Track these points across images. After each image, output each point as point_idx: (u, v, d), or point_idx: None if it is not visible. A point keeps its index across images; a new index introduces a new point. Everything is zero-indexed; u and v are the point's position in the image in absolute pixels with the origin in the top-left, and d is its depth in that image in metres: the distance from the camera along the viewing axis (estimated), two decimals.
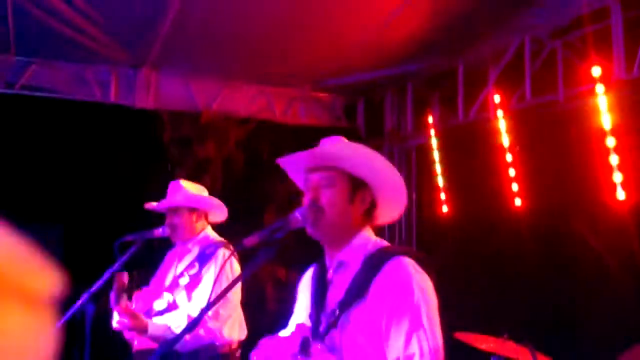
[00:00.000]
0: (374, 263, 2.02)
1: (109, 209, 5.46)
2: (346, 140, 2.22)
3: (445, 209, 5.96)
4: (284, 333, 2.23)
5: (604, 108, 4.48)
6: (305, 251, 2.36)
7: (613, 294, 4.44)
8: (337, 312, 2.00)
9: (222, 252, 3.57)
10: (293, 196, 5.86)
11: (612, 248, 4.56)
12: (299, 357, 1.88)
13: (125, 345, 3.57)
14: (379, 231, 2.25)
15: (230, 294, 3.31)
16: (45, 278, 0.53)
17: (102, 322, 3.38)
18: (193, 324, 1.97)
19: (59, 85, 5.58)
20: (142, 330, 3.36)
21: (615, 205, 4.44)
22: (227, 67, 5.83)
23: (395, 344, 1.94)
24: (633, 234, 4.42)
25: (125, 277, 3.33)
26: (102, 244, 3.71)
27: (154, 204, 3.77)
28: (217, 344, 3.53)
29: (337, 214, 2.07)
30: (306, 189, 2.14)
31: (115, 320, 3.37)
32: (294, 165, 2.20)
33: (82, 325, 3.17)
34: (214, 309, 3.40)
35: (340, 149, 2.13)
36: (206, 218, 3.77)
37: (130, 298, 3.46)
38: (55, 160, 5.55)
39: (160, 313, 3.50)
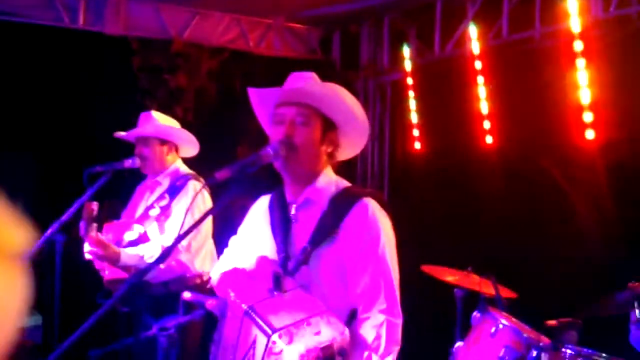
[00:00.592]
0: (341, 204, 2.12)
1: (78, 138, 5.37)
2: (317, 77, 2.21)
3: (418, 145, 5.99)
4: (232, 256, 2.30)
5: (579, 46, 4.48)
6: (275, 184, 2.37)
7: (579, 233, 4.55)
8: (309, 248, 2.07)
9: (193, 184, 3.56)
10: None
11: (580, 187, 4.64)
12: (275, 292, 1.93)
13: (96, 275, 3.58)
14: (352, 167, 2.28)
15: (201, 227, 3.33)
16: (15, 232, 0.52)
17: (72, 252, 3.38)
18: (165, 254, 1.99)
19: (26, 9, 5.38)
20: (114, 259, 3.36)
21: (584, 145, 4.50)
22: None
23: (362, 281, 2.07)
24: (600, 173, 4.50)
25: (94, 206, 3.30)
26: (71, 174, 3.68)
27: (123, 133, 3.72)
28: (188, 275, 3.56)
29: (309, 153, 2.11)
30: (275, 123, 2.13)
31: (86, 250, 3.36)
32: (263, 98, 2.18)
33: (52, 255, 3.17)
34: (186, 240, 3.42)
35: (318, 89, 2.13)
36: (177, 151, 3.74)
37: (100, 229, 3.45)
38: (22, 88, 5.40)
39: (131, 244, 3.50)
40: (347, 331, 1.87)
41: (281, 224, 2.19)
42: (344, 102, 2.14)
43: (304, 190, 2.16)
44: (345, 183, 2.23)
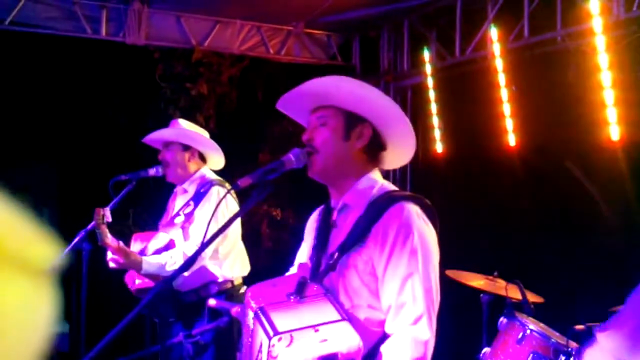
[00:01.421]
0: (378, 207, 1.98)
1: (102, 147, 5.44)
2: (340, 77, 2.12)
3: (440, 148, 5.96)
4: (290, 273, 2.24)
5: (601, 46, 4.43)
6: (300, 192, 2.37)
7: (604, 234, 4.49)
8: (337, 254, 1.98)
9: (217, 190, 3.56)
10: (288, 135, 5.86)
11: (604, 187, 4.58)
12: (292, 297, 1.87)
13: (122, 283, 3.60)
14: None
15: (228, 231, 3.33)
16: (42, 248, 0.52)
17: (99, 260, 3.40)
18: (189, 262, 1.98)
19: (49, 20, 5.46)
20: (136, 268, 3.35)
21: (608, 145, 4.44)
22: (220, 3, 5.71)
23: (389, 290, 1.93)
24: (625, 173, 4.44)
25: (104, 211, 3.22)
26: (96, 182, 3.71)
27: (149, 136, 3.73)
28: (219, 281, 3.55)
29: (331, 153, 2.03)
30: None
31: (109, 258, 3.37)
32: (294, 109, 2.16)
33: (78, 263, 3.19)
34: (211, 247, 3.42)
35: (328, 83, 2.04)
36: (203, 160, 3.73)
37: (128, 240, 3.45)
38: (47, 97, 5.48)
39: (157, 252, 3.51)
40: (361, 344, 1.77)
41: (322, 230, 2.12)
42: (367, 93, 2.03)
43: (344, 194, 2.07)
44: (391, 187, 2.09)
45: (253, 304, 1.87)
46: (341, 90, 2.03)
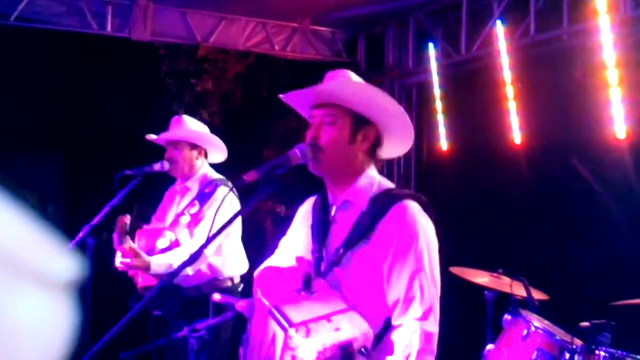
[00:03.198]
0: (380, 205, 2.03)
1: (107, 142, 5.44)
2: (351, 74, 2.18)
3: (444, 146, 5.95)
4: (277, 257, 2.29)
5: (608, 44, 4.41)
6: (304, 187, 2.37)
7: (610, 232, 4.48)
8: (341, 250, 2.02)
9: (222, 190, 3.57)
10: (292, 131, 5.86)
11: (610, 185, 4.57)
12: (302, 292, 1.90)
13: (127, 278, 3.61)
14: (378, 169, 2.24)
15: (231, 229, 3.34)
16: (60, 263, 0.52)
17: (103, 255, 3.41)
18: (193, 258, 1.98)
19: (55, 16, 5.47)
20: (145, 268, 3.38)
21: (615, 143, 4.43)
22: None
23: (397, 286, 1.98)
24: (631, 171, 4.43)
25: (127, 219, 3.30)
26: (100, 178, 3.71)
27: (154, 136, 3.75)
28: (220, 278, 3.57)
29: (336, 153, 2.06)
30: (309, 125, 2.12)
31: (118, 260, 3.39)
32: (298, 101, 2.18)
33: (83, 258, 3.19)
34: (215, 244, 3.44)
35: (342, 87, 2.08)
36: (206, 156, 3.75)
37: (132, 235, 3.46)
38: (51, 93, 5.49)
39: (163, 251, 3.53)
40: (370, 331, 1.82)
41: (321, 225, 2.14)
42: (372, 95, 2.08)
43: (343, 191, 2.11)
44: (388, 184, 2.15)
45: (266, 302, 1.90)
46: (349, 92, 2.07)
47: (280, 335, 1.80)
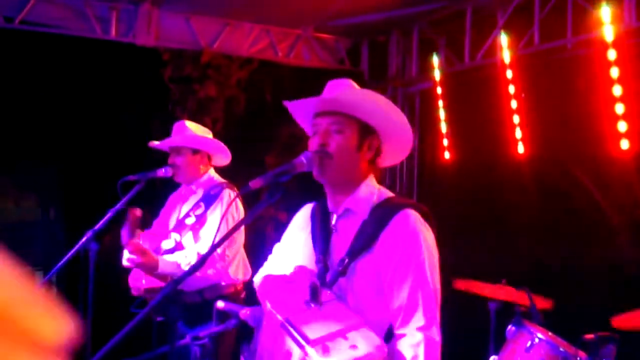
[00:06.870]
0: (382, 214, 2.05)
1: (111, 147, 5.43)
2: (353, 84, 2.19)
3: (447, 155, 5.94)
4: (273, 264, 2.28)
5: (612, 55, 4.41)
6: (302, 194, 2.36)
7: (613, 243, 4.47)
8: (346, 260, 2.02)
9: (228, 193, 3.58)
10: (295, 138, 5.85)
11: (614, 197, 4.56)
12: (312, 304, 1.89)
13: (129, 286, 3.60)
14: (381, 177, 2.25)
15: (235, 235, 3.34)
16: (53, 323, 0.50)
17: (106, 260, 3.40)
18: (201, 262, 1.97)
19: (59, 20, 5.47)
20: (153, 267, 3.36)
21: (618, 155, 4.42)
22: (229, 5, 5.71)
23: (399, 295, 1.98)
24: (635, 183, 4.42)
25: (138, 212, 3.31)
26: (104, 183, 3.71)
27: (157, 142, 3.75)
28: (223, 284, 3.56)
29: (345, 161, 2.06)
30: (313, 133, 2.11)
31: (126, 257, 3.38)
32: (302, 109, 2.17)
33: (85, 264, 3.18)
34: (220, 249, 3.43)
35: (352, 97, 2.09)
36: (210, 161, 3.77)
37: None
38: (55, 97, 5.49)
39: (168, 252, 3.53)
40: (385, 347, 1.80)
41: (322, 233, 2.15)
42: (379, 106, 2.09)
43: (344, 200, 2.11)
44: (388, 193, 2.15)
45: (278, 316, 1.89)
46: (361, 103, 2.07)
47: (296, 351, 1.79)
